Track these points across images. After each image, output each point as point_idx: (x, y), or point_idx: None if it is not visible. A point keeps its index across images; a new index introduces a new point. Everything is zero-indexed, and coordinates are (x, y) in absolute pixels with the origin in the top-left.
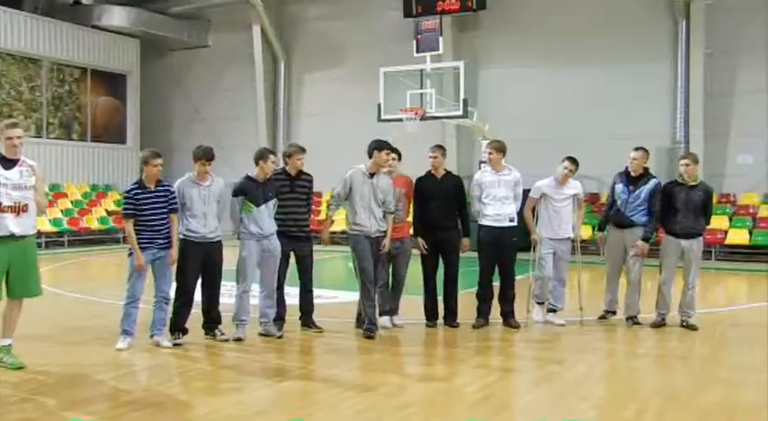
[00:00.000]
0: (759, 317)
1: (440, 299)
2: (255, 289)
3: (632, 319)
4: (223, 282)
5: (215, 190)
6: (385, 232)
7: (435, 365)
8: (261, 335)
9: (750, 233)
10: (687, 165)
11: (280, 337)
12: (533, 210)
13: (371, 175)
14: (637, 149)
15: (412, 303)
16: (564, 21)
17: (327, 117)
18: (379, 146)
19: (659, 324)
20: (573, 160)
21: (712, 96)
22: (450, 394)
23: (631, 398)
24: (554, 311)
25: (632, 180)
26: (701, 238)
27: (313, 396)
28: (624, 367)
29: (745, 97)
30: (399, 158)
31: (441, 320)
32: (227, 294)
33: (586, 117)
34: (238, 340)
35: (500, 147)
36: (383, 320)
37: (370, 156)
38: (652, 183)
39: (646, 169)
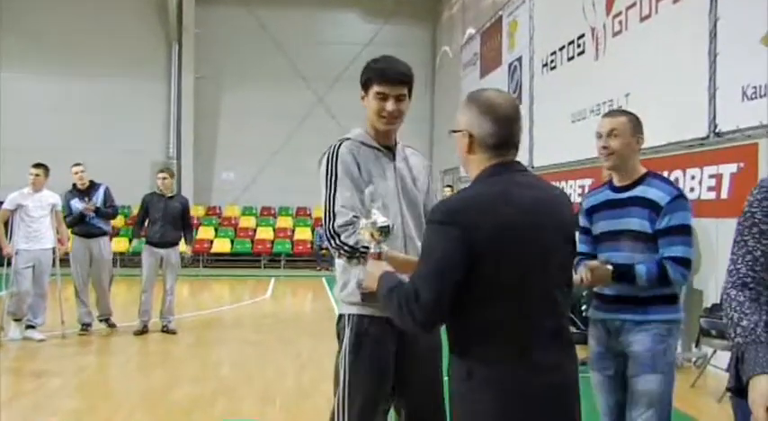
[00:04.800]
0: (235, 317)
1: None
2: None
3: (106, 321)
4: None
5: None
6: None
7: None
8: None
9: (232, 242)
10: (165, 178)
11: None
12: (7, 222)
13: (389, 150)
14: (77, 164)
15: None
16: (70, 32)
17: None
18: (384, 74)
19: (142, 330)
20: (37, 165)
21: (201, 116)
22: None
23: (107, 402)
24: (33, 327)
25: (83, 192)
26: (177, 247)
27: None
28: (104, 374)
29: (228, 118)
30: None
31: None
32: None
33: (91, 129)
34: None
35: None
36: None
37: (365, 90)
38: (101, 189)
39: (91, 181)
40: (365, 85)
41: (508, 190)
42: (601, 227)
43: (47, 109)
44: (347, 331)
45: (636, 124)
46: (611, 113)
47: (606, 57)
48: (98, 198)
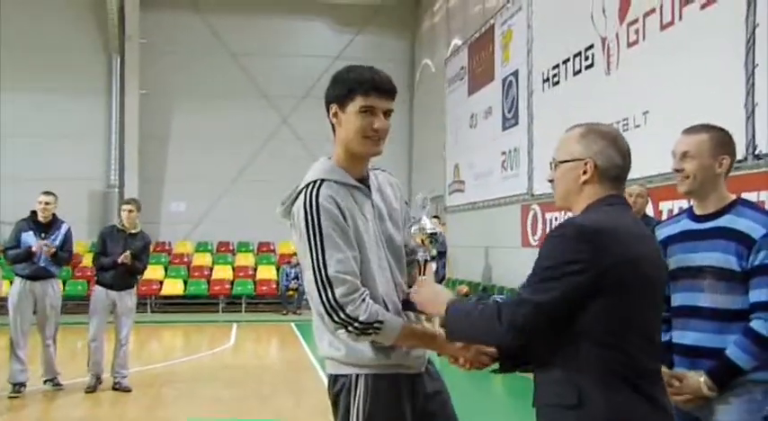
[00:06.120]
0: (193, 371)
1: None
2: None
3: (52, 382)
4: None
5: None
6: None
7: None
8: None
9: (185, 283)
10: (131, 211)
11: None
12: None
13: (364, 183)
14: (47, 193)
15: None
16: None
17: None
18: (374, 84)
19: (95, 386)
20: None
21: (148, 139)
22: None
23: None
24: None
25: (42, 227)
26: (133, 290)
27: None
28: None
29: (178, 141)
30: None
31: None
32: None
33: (17, 152)
34: None
35: None
36: None
37: (341, 105)
38: (64, 228)
39: (54, 215)
40: (343, 100)
41: (627, 220)
42: (676, 261)
43: None
44: (356, 394)
45: (719, 143)
46: (689, 130)
47: (620, 70)
48: (57, 238)
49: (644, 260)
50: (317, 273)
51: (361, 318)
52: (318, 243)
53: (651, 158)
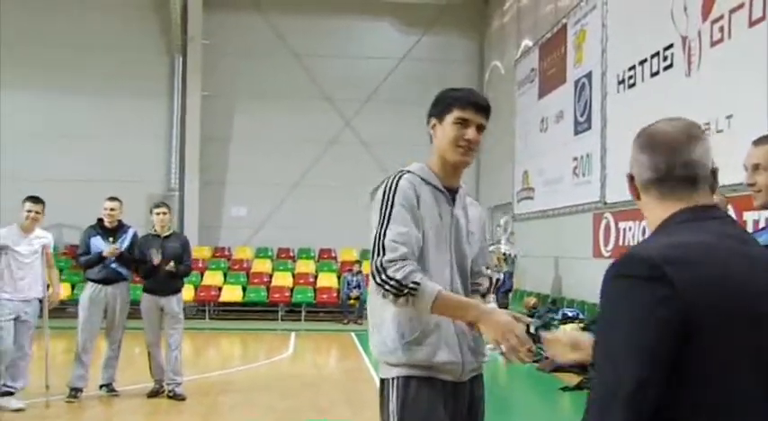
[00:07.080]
0: (250, 380)
1: None
2: None
3: (107, 387)
4: None
5: None
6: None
7: None
8: None
9: (244, 289)
10: (165, 214)
11: None
12: None
13: (451, 194)
14: (112, 199)
15: None
16: (58, 44)
17: None
18: (469, 99)
19: (156, 392)
20: (36, 200)
21: (209, 141)
22: None
23: None
24: (11, 394)
25: (109, 232)
26: (179, 295)
27: None
28: None
29: (240, 144)
30: None
31: None
32: None
33: (78, 154)
34: None
35: None
36: None
37: (440, 117)
38: (130, 232)
39: (120, 221)
40: (441, 113)
41: (719, 241)
42: None
43: (31, 131)
44: (392, 398)
45: None
46: (758, 140)
47: (702, 71)
48: (124, 242)
49: (749, 290)
50: (376, 239)
51: (397, 277)
52: (387, 215)
53: (734, 165)
